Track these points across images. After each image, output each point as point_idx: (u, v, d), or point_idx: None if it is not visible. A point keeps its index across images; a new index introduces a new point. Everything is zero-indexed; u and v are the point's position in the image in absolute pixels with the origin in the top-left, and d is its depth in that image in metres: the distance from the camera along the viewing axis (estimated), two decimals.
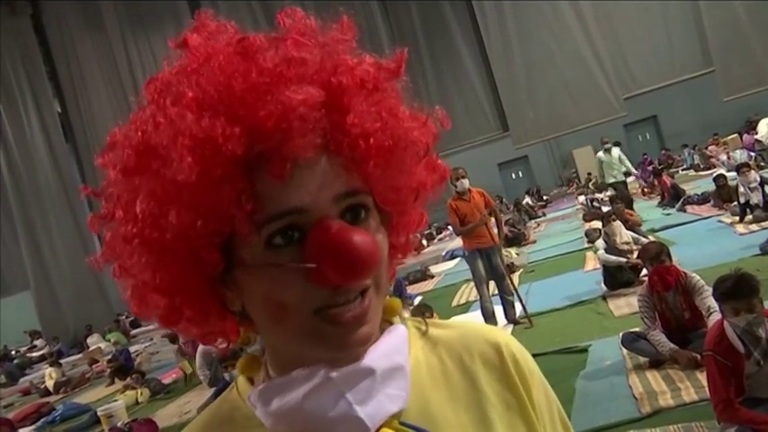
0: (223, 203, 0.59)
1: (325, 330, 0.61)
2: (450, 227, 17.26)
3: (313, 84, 0.61)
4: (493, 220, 7.20)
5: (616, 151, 12.85)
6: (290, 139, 0.58)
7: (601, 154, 13.07)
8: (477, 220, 6.80)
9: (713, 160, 18.71)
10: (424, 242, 17.66)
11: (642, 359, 4.86)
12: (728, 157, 17.01)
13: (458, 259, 13.94)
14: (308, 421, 0.63)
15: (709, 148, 20.37)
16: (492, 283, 7.25)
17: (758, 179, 9.47)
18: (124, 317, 20.72)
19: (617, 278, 7.42)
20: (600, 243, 7.97)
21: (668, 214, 12.25)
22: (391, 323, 0.72)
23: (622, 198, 12.02)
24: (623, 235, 8.01)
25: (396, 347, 0.68)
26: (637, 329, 5.05)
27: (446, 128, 0.72)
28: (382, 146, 0.64)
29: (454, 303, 9.51)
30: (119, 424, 7.56)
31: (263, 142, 0.59)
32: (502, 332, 0.79)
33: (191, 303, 0.65)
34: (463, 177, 6.75)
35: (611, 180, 12.95)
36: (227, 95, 0.59)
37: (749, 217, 9.19)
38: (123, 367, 11.18)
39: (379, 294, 0.65)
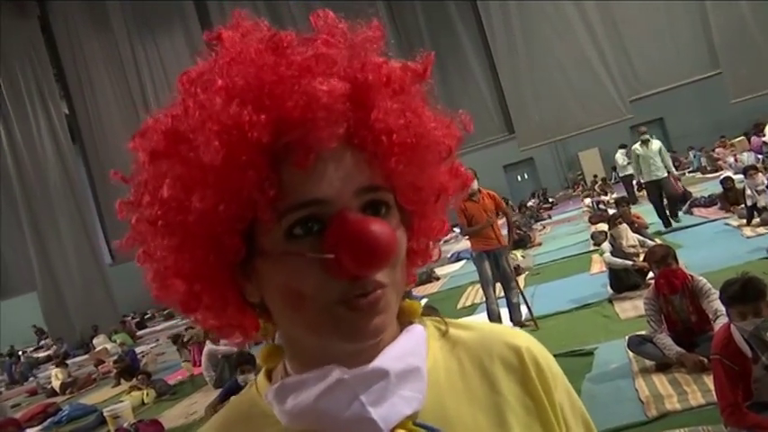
0: (246, 189, 0.60)
1: (340, 315, 0.62)
2: (455, 229, 17.26)
3: (340, 78, 0.62)
4: (501, 221, 7.20)
5: (656, 144, 10.96)
6: (314, 130, 0.60)
7: (637, 146, 11.21)
8: (484, 221, 6.80)
9: (720, 162, 18.64)
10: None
11: (648, 362, 4.85)
12: (736, 160, 16.96)
13: (463, 261, 13.92)
14: (322, 421, 0.64)
15: (716, 150, 20.31)
16: (498, 286, 7.24)
17: (765, 182, 9.42)
18: (130, 318, 20.82)
19: (623, 281, 7.40)
20: (606, 246, 7.95)
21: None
22: (411, 323, 0.73)
23: (669, 197, 10.84)
24: (629, 238, 8.00)
25: (412, 349, 0.69)
26: (643, 332, 5.03)
27: (469, 132, 0.73)
28: (405, 143, 0.65)
29: (459, 305, 9.50)
30: (125, 425, 7.58)
31: (289, 132, 0.60)
32: (523, 334, 0.79)
33: (210, 290, 0.66)
34: (473, 179, 6.75)
35: (652, 177, 10.83)
36: (256, 86, 0.61)
37: (756, 220, 9.15)
38: (129, 368, 11.21)
39: (395, 290, 0.66)
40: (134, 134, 0.67)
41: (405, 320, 0.73)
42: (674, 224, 10.81)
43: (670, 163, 11.17)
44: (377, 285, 0.62)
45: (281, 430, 0.67)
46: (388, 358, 0.66)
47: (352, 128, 0.63)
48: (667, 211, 10.91)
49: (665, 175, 10.80)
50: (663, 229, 10.72)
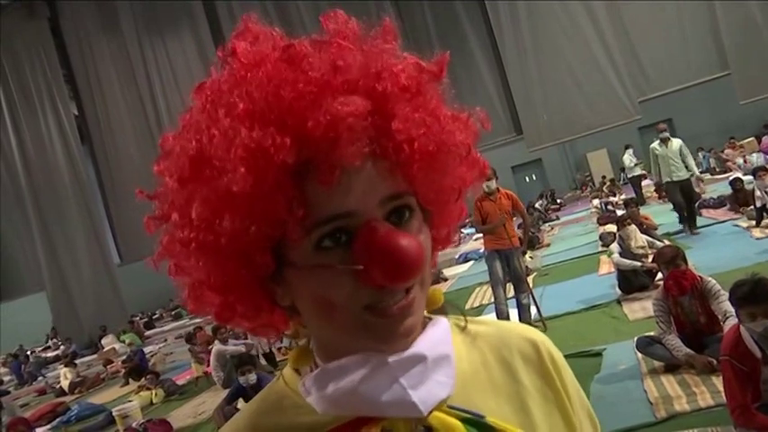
0: (275, 210, 0.61)
1: (372, 322, 0.64)
2: (462, 230, 17.25)
3: (358, 92, 0.62)
4: (514, 220, 7.21)
5: (676, 143, 10.26)
6: (338, 148, 0.60)
7: (655, 145, 10.44)
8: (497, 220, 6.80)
9: (729, 164, 18.57)
10: None
11: (657, 363, 4.84)
12: (745, 161, 16.88)
13: (471, 262, 13.91)
14: (362, 404, 0.66)
15: (726, 151, 20.21)
16: (508, 286, 7.23)
17: None
18: (138, 318, 20.90)
19: (632, 282, 7.38)
20: (615, 247, 7.93)
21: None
22: (431, 318, 0.75)
23: (689, 201, 10.15)
24: (638, 239, 7.98)
25: (441, 338, 0.71)
26: (652, 334, 5.02)
27: (486, 129, 0.74)
28: (426, 150, 0.65)
29: (468, 306, 9.49)
30: (133, 424, 7.62)
31: (312, 150, 0.60)
32: (537, 331, 0.83)
33: (243, 300, 0.68)
34: (490, 178, 6.77)
35: (673, 178, 10.13)
36: (276, 105, 0.61)
37: (766, 221, 9.12)
38: (138, 368, 11.28)
39: (423, 289, 0.68)
40: (158, 158, 0.69)
41: (428, 308, 0.74)
42: (693, 232, 10.11)
43: (693, 163, 10.41)
44: (406, 286, 0.64)
45: (315, 419, 0.68)
46: (424, 345, 0.68)
47: (374, 139, 0.63)
48: (685, 214, 10.32)
49: (687, 176, 10.14)
50: (672, 230, 10.64)
